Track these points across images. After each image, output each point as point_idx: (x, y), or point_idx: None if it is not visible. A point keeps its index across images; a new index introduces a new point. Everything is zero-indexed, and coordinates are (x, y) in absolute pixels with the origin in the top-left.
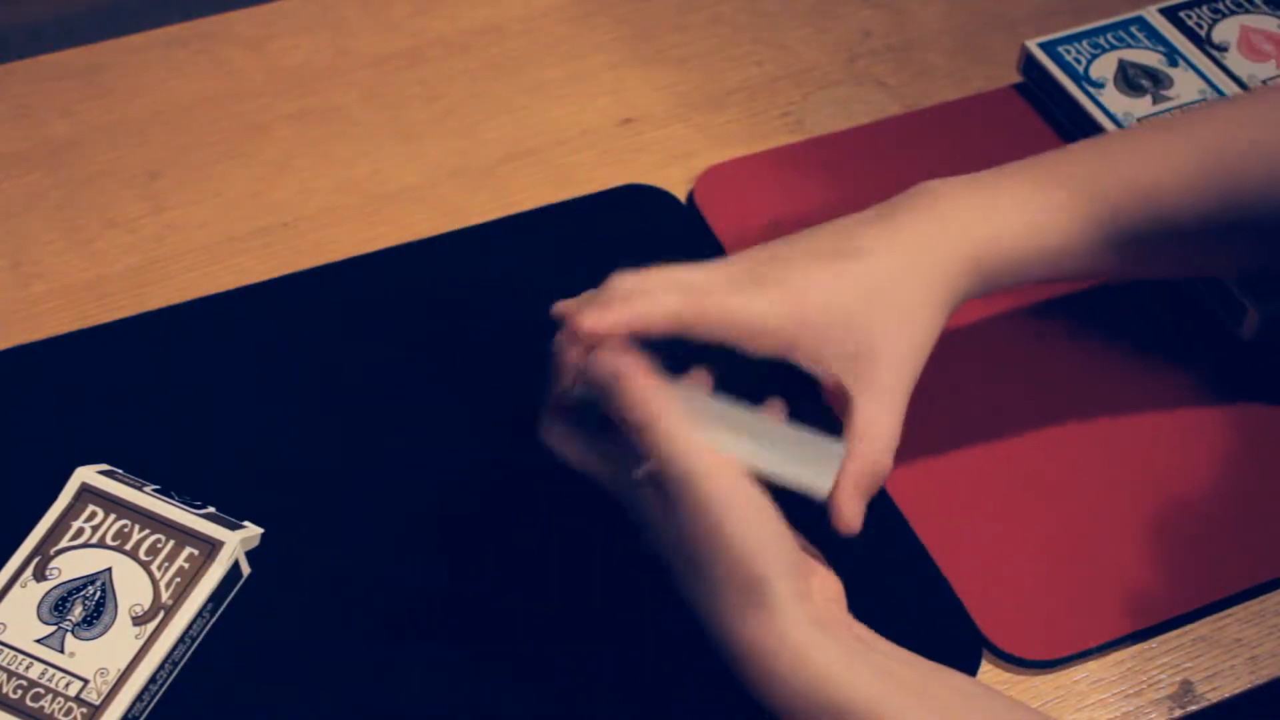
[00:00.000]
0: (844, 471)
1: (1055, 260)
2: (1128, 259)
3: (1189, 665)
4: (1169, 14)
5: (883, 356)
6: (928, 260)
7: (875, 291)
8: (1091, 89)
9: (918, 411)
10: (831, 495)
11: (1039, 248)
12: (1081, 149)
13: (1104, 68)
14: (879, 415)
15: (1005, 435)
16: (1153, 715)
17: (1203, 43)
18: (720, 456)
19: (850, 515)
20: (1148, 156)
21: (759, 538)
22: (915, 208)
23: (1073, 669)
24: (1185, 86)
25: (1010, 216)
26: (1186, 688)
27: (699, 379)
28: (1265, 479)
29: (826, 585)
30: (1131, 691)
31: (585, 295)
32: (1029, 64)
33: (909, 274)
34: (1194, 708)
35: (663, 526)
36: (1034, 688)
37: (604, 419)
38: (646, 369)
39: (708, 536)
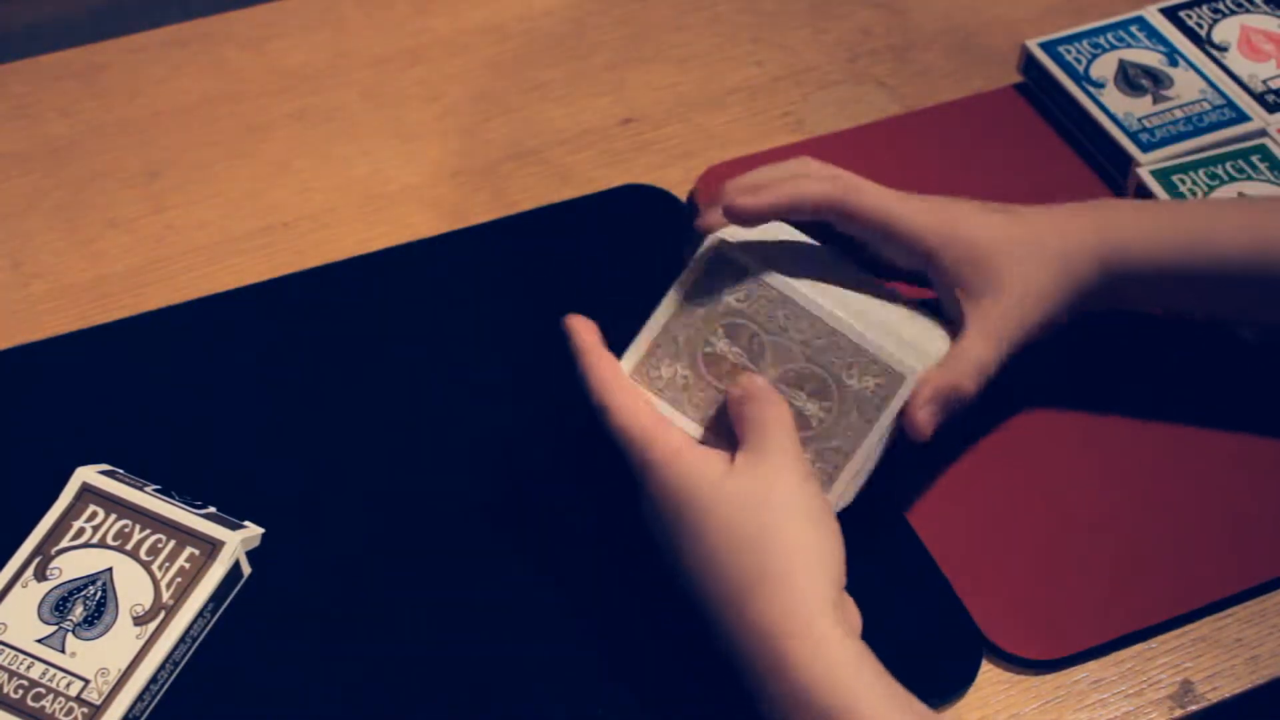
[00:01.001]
0: (925, 379)
1: (1171, 264)
2: (1228, 293)
3: (1189, 665)
4: (1169, 14)
5: (1002, 297)
6: (1059, 239)
7: (1015, 241)
8: (1091, 89)
9: None
10: (908, 401)
11: (1156, 248)
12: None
13: (1104, 68)
14: (978, 343)
15: (1006, 436)
16: (1153, 715)
17: (1203, 42)
18: (805, 469)
19: (922, 421)
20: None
21: (819, 547)
22: (1071, 203)
23: (1073, 669)
24: (1185, 86)
25: (1135, 218)
26: (1186, 688)
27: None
28: (1266, 480)
29: (849, 614)
30: (1131, 691)
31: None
32: (1029, 64)
33: (1045, 241)
34: (1194, 708)
35: (705, 510)
36: (1034, 688)
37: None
38: (775, 392)
39: (770, 534)
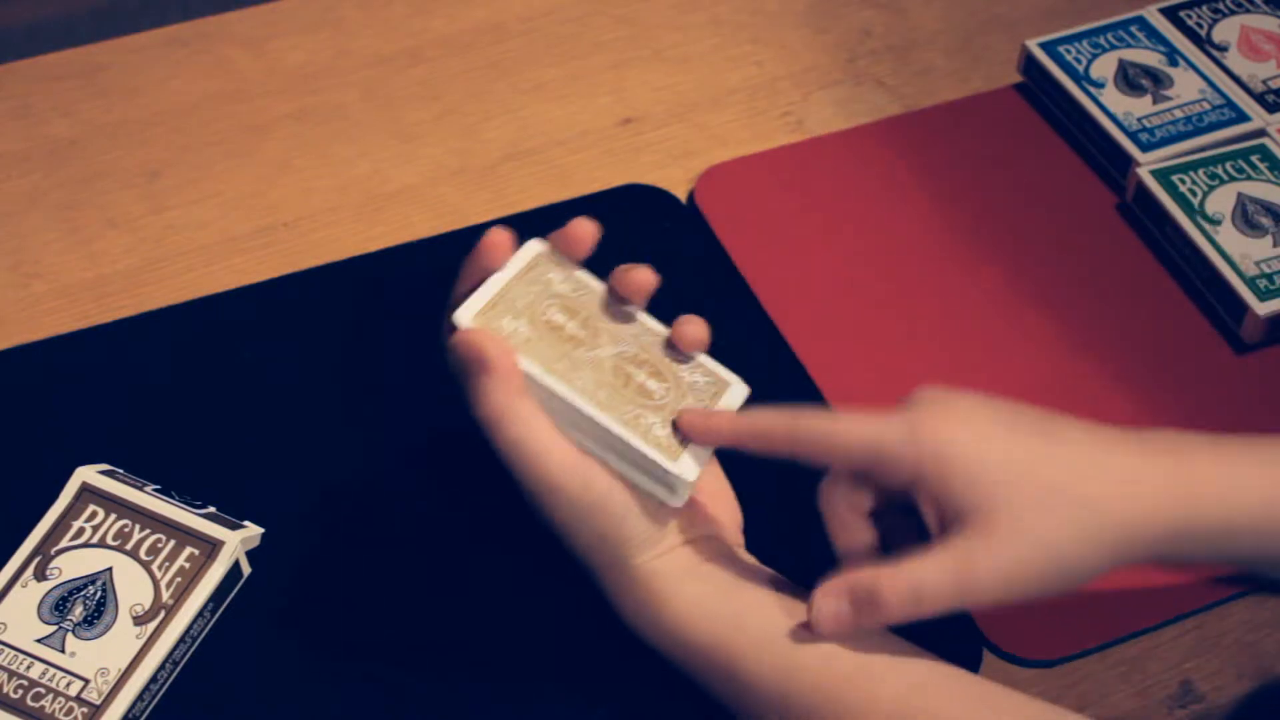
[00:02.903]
0: (840, 575)
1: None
2: None
3: (1189, 665)
4: (1169, 14)
5: (997, 545)
6: (1121, 503)
7: (1042, 489)
8: (1091, 89)
9: None
10: (818, 584)
11: (1239, 510)
12: None
13: (1104, 68)
14: (934, 572)
15: None
16: (1153, 715)
17: (1203, 42)
18: (553, 443)
19: (821, 616)
20: None
21: (597, 524)
22: (1136, 438)
23: (1073, 669)
24: (1185, 86)
25: (1216, 470)
26: (1186, 688)
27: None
28: None
29: (712, 518)
30: (1132, 691)
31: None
32: (1029, 64)
33: (1095, 503)
34: (1194, 708)
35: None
36: (1034, 688)
37: None
38: (513, 362)
39: (556, 518)
